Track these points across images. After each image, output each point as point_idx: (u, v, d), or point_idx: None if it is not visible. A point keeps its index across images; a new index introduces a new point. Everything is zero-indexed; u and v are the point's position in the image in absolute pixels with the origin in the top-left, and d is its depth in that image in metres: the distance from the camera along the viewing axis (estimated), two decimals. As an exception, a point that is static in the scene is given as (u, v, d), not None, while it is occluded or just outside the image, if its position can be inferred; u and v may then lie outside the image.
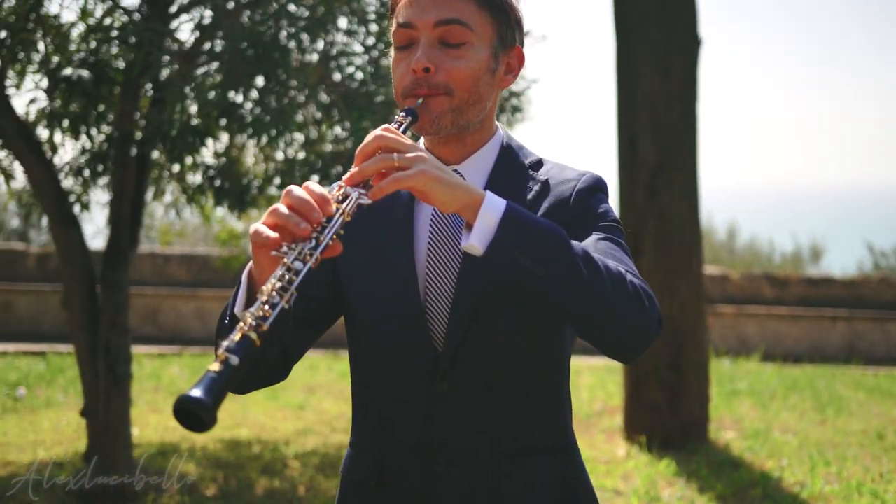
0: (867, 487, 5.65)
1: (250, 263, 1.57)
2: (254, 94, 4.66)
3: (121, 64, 4.79)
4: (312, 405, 7.92)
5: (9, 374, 8.65)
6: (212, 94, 4.53)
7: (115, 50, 4.85)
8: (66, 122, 4.83)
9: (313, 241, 1.44)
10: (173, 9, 4.86)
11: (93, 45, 4.72)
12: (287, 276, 1.40)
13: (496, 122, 1.87)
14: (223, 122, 4.75)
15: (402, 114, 1.68)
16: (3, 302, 11.13)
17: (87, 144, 5.21)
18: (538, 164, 1.84)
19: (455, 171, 1.77)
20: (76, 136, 4.96)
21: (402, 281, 1.74)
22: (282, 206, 1.46)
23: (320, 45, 4.94)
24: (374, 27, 4.92)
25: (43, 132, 5.43)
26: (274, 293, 1.38)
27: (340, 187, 1.52)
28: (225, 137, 5.59)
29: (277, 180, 5.40)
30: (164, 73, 4.80)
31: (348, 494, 1.85)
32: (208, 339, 10.76)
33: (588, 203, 1.77)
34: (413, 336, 1.74)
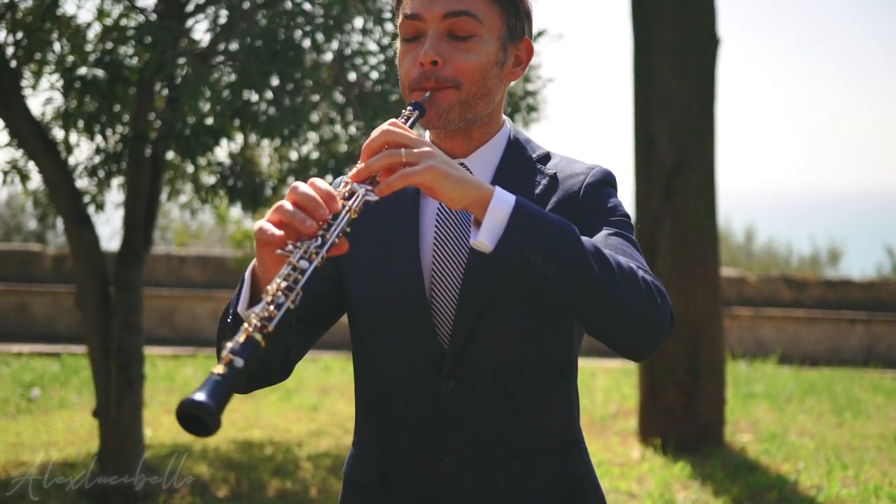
0: (885, 491, 5.58)
1: (254, 261, 1.54)
2: (268, 93, 4.65)
3: (135, 63, 4.79)
4: (326, 407, 7.90)
5: (23, 375, 8.68)
6: (226, 94, 4.52)
7: (130, 50, 4.86)
8: (81, 122, 4.84)
9: (319, 240, 1.41)
10: (190, 8, 4.85)
11: (109, 45, 4.72)
12: (293, 276, 1.36)
13: (503, 116, 1.83)
14: (237, 121, 4.73)
15: (409, 108, 1.65)
16: (19, 303, 11.16)
17: (102, 144, 5.21)
18: (546, 157, 1.81)
19: (461, 164, 1.74)
20: (91, 137, 4.96)
21: (407, 278, 1.71)
22: (287, 203, 1.43)
23: (335, 44, 4.92)
24: (389, 26, 4.90)
25: (58, 132, 5.45)
26: (279, 293, 1.34)
27: (346, 184, 1.49)
28: (240, 138, 5.59)
29: (292, 180, 5.39)
30: (180, 72, 4.79)
31: (351, 495, 1.81)
32: (223, 340, 10.72)
33: (597, 197, 1.73)
34: (418, 334, 1.70)
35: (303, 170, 5.25)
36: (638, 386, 6.93)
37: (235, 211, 7.63)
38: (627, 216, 1.74)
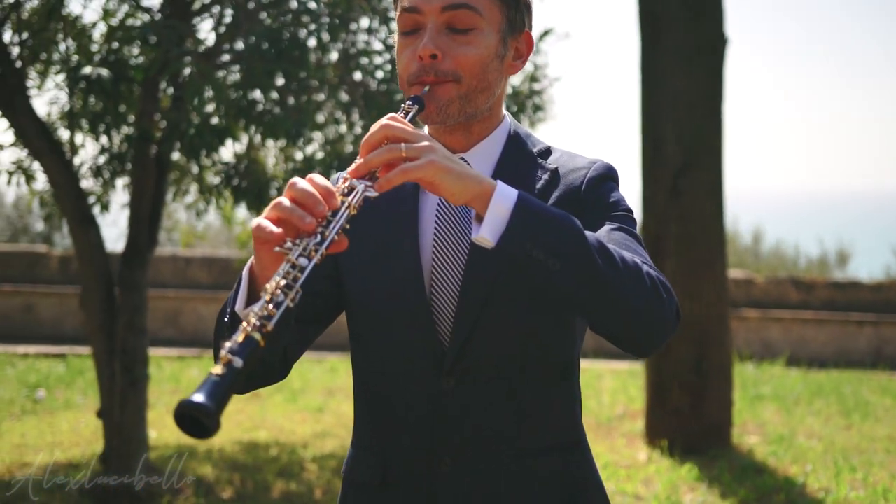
0: (893, 494, 5.55)
1: (251, 259, 1.52)
2: (273, 93, 4.63)
3: (141, 63, 4.78)
4: (331, 408, 7.88)
5: (29, 376, 8.68)
6: (231, 93, 4.51)
7: (136, 50, 4.85)
8: (86, 122, 4.83)
9: (318, 237, 1.38)
10: (195, 6, 4.84)
11: (114, 45, 4.71)
12: (292, 274, 1.34)
13: (503, 111, 1.81)
14: (242, 121, 4.72)
15: (409, 102, 1.62)
16: (25, 304, 11.17)
17: (107, 144, 5.20)
18: (547, 152, 1.78)
19: (461, 159, 1.71)
20: (96, 137, 4.95)
21: (406, 275, 1.69)
22: (285, 200, 1.40)
23: (340, 44, 4.91)
24: (394, 26, 4.87)
25: (63, 132, 5.44)
26: (278, 291, 1.31)
27: (345, 180, 1.46)
28: (245, 138, 5.57)
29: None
30: (185, 72, 4.78)
31: (351, 495, 1.79)
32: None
33: (599, 192, 1.71)
34: (418, 331, 1.68)
35: (308, 170, 5.23)
36: (644, 387, 6.89)
37: (241, 212, 7.63)
38: (630, 211, 1.71)
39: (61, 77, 5.09)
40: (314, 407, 7.88)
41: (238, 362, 1.23)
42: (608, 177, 1.74)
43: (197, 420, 1.19)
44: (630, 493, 5.60)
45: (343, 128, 5.32)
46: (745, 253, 18.19)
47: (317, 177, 1.43)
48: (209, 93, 4.46)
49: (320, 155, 5.26)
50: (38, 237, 15.80)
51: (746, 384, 9.01)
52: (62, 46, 5.04)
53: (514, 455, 1.67)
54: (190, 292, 11.33)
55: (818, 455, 6.50)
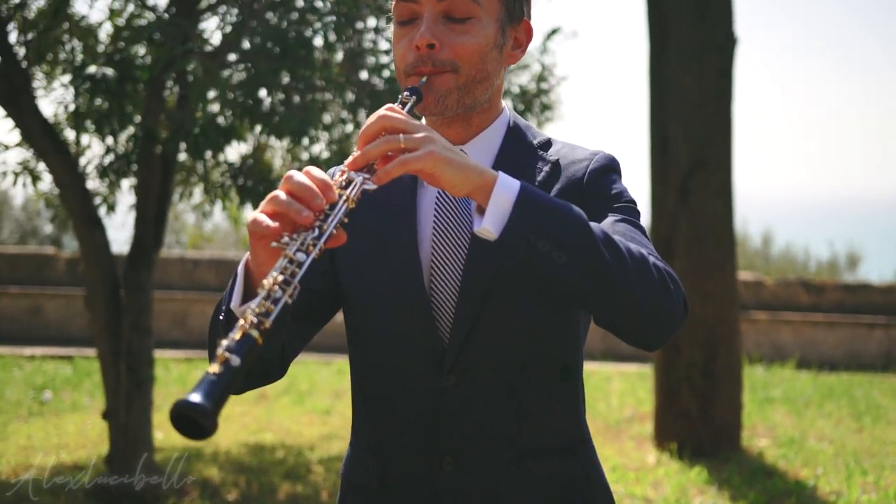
0: (906, 498, 5.49)
1: (246, 255, 1.48)
2: (278, 92, 4.61)
3: (146, 61, 4.76)
4: (338, 410, 7.84)
5: (36, 378, 8.67)
6: (237, 92, 4.48)
7: (142, 50, 4.83)
8: (91, 123, 4.81)
9: (316, 231, 1.34)
10: (202, 4, 4.82)
11: (120, 44, 4.69)
12: (289, 269, 1.30)
13: (502, 102, 1.77)
14: (247, 120, 4.69)
15: (406, 93, 1.58)
16: (33, 306, 11.16)
17: (112, 144, 5.18)
18: (547, 144, 1.74)
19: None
20: (102, 137, 4.93)
21: (405, 270, 1.64)
22: (281, 193, 1.36)
23: (347, 43, 4.88)
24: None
25: (69, 133, 5.42)
26: (276, 287, 1.27)
27: (343, 172, 1.42)
28: (251, 138, 5.55)
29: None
30: (190, 70, 4.76)
31: (350, 497, 1.74)
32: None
33: (602, 183, 1.67)
34: (417, 328, 1.63)
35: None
36: (653, 390, 6.84)
37: (248, 212, 7.60)
38: (633, 202, 1.67)
39: (67, 77, 5.07)
40: (321, 409, 7.85)
41: (235, 360, 1.19)
42: (610, 168, 1.70)
43: (194, 421, 1.15)
44: (639, 496, 5.55)
45: (349, 127, 5.29)
46: (755, 255, 18.11)
47: (314, 169, 1.39)
48: (214, 92, 4.44)
49: (326, 154, 5.23)
50: (47, 239, 15.82)
51: (756, 387, 8.94)
52: (68, 46, 5.03)
53: (515, 454, 1.63)
54: (197, 294, 11.31)
55: (829, 458, 6.44)
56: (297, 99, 4.61)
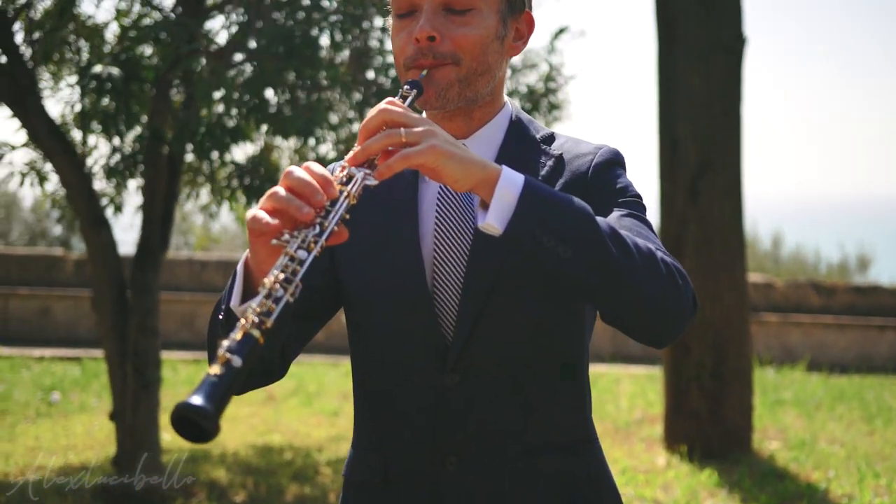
0: (919, 501, 5.43)
1: (246, 253, 1.45)
2: (284, 91, 4.59)
3: (152, 61, 4.75)
4: (346, 412, 7.82)
5: (44, 379, 8.67)
6: (242, 92, 4.46)
7: (148, 50, 4.82)
8: (98, 123, 4.79)
9: (317, 228, 1.31)
10: (209, 2, 4.81)
11: (127, 44, 4.68)
12: (290, 267, 1.27)
13: (505, 96, 1.74)
14: (253, 119, 4.68)
15: (407, 86, 1.55)
16: (42, 307, 11.18)
17: (119, 144, 5.17)
18: (550, 138, 1.71)
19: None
20: (108, 137, 4.92)
21: (407, 267, 1.61)
22: (281, 190, 1.33)
23: (354, 42, 4.86)
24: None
25: (76, 133, 5.41)
26: (277, 286, 1.24)
27: (343, 168, 1.39)
28: (260, 139, 5.54)
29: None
30: (196, 70, 4.74)
31: (352, 497, 1.71)
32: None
33: (607, 178, 1.64)
34: (420, 326, 1.60)
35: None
36: (663, 392, 6.80)
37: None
38: (639, 196, 1.64)
39: (74, 78, 5.07)
40: (329, 410, 7.83)
41: (237, 361, 1.16)
42: (615, 162, 1.67)
43: (196, 424, 1.12)
44: (649, 499, 5.51)
45: (356, 127, 5.27)
46: (765, 258, 18.05)
47: (314, 165, 1.37)
48: (220, 92, 4.42)
49: (333, 154, 5.22)
50: (56, 241, 15.85)
51: (767, 389, 8.89)
52: (74, 46, 5.02)
53: (520, 451, 1.60)
54: (205, 296, 11.30)
55: (840, 461, 6.39)
56: (303, 98, 4.59)
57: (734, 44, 6.53)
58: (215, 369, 1.15)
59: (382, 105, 1.41)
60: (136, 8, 4.88)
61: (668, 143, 6.61)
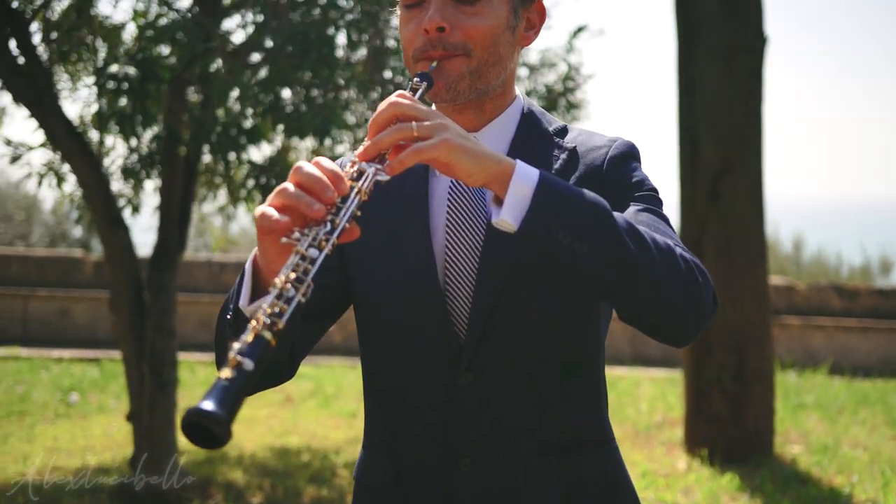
0: (944, 506, 5.35)
1: (254, 251, 1.41)
2: (300, 89, 4.57)
3: (169, 61, 4.74)
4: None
5: (63, 380, 8.69)
6: (257, 91, 4.44)
7: (166, 50, 4.81)
8: (115, 124, 4.79)
9: (328, 225, 1.27)
10: (226, 1, 4.79)
11: (143, 43, 4.67)
12: (302, 266, 1.23)
13: (516, 88, 1.69)
14: (269, 119, 4.66)
15: (417, 79, 1.51)
16: (61, 309, 11.21)
17: (136, 145, 5.16)
18: (563, 131, 1.67)
19: None
20: (126, 138, 4.91)
21: (419, 262, 1.57)
22: (290, 186, 1.30)
23: (370, 40, 4.83)
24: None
25: (94, 133, 5.41)
26: (288, 286, 1.21)
27: (353, 163, 1.35)
28: (278, 140, 5.52)
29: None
30: (212, 69, 4.73)
31: (364, 499, 1.67)
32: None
33: (622, 171, 1.59)
34: (432, 323, 1.56)
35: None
36: (683, 395, 6.73)
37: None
38: (656, 190, 1.60)
39: (91, 79, 5.06)
40: (347, 412, 7.80)
41: (248, 364, 1.12)
42: (630, 155, 1.62)
43: (207, 429, 1.08)
44: (670, 503, 5.45)
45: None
46: (786, 261, 17.92)
47: (323, 160, 1.33)
48: (235, 92, 4.40)
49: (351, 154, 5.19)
50: (77, 243, 15.91)
51: (789, 392, 8.80)
52: (91, 46, 5.01)
53: (535, 450, 1.56)
54: (224, 297, 11.29)
55: (864, 465, 6.31)
56: (319, 98, 4.56)
57: (755, 43, 6.46)
58: (226, 373, 1.11)
59: (393, 98, 1.37)
60: (154, 9, 4.86)
61: (689, 144, 6.55)
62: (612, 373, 9.38)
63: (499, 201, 1.36)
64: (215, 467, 5.96)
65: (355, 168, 1.35)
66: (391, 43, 4.83)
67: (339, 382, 8.99)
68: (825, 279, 15.50)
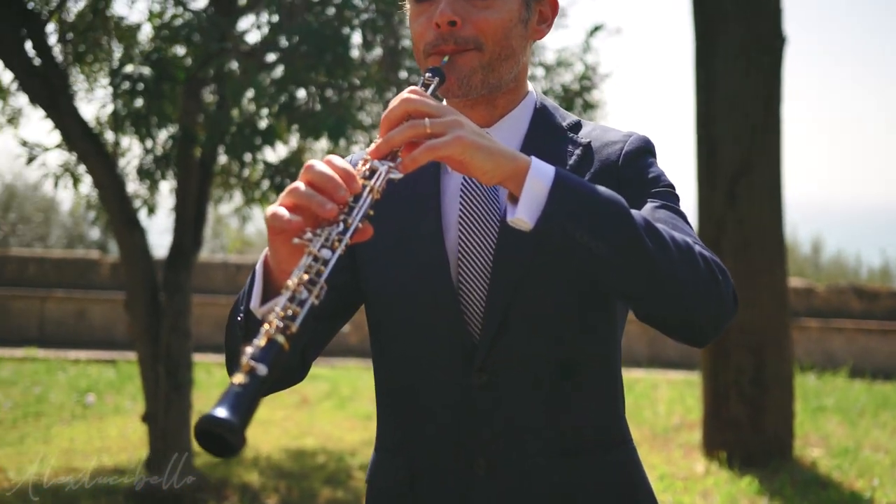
0: (967, 511, 5.28)
1: (264, 252, 1.38)
2: (314, 88, 4.55)
3: (185, 62, 4.73)
4: (380, 416, 7.77)
5: (79, 381, 8.70)
6: (271, 90, 4.43)
7: (181, 51, 4.80)
8: (130, 124, 4.78)
9: (341, 225, 1.24)
10: (242, 1, 4.78)
11: (158, 43, 4.67)
12: (314, 267, 1.19)
13: (528, 83, 1.66)
14: (284, 119, 4.64)
15: (428, 74, 1.47)
16: (78, 310, 11.25)
17: (151, 146, 5.16)
18: (577, 126, 1.63)
19: None
20: (141, 139, 4.91)
21: (431, 262, 1.54)
22: (301, 185, 1.26)
23: (385, 40, 4.80)
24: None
25: (109, 134, 5.41)
26: (301, 288, 1.17)
27: (366, 161, 1.32)
28: (293, 140, 5.50)
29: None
30: (227, 69, 4.72)
31: (376, 501, 1.64)
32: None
33: (638, 167, 1.55)
34: (445, 322, 1.53)
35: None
36: (702, 397, 6.67)
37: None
38: (672, 186, 1.56)
39: (106, 80, 5.07)
40: (363, 414, 7.78)
41: (262, 369, 1.09)
42: (646, 150, 1.59)
43: (220, 437, 1.05)
44: (686, 507, 5.40)
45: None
46: (805, 262, 17.81)
47: (335, 158, 1.29)
48: (250, 92, 4.39)
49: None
50: (94, 244, 15.97)
51: (808, 395, 8.72)
52: (106, 47, 5.02)
53: (549, 449, 1.52)
54: (240, 299, 11.31)
55: (885, 469, 6.23)
56: (334, 98, 4.54)
57: (774, 43, 6.39)
58: (239, 378, 1.07)
59: (405, 94, 1.33)
60: (169, 9, 4.86)
61: (707, 145, 6.49)
62: (630, 375, 9.32)
63: (514, 199, 1.33)
64: (231, 469, 5.95)
65: (367, 166, 1.31)
66: (406, 43, 4.80)
67: (354, 384, 8.97)
68: (844, 281, 15.37)
